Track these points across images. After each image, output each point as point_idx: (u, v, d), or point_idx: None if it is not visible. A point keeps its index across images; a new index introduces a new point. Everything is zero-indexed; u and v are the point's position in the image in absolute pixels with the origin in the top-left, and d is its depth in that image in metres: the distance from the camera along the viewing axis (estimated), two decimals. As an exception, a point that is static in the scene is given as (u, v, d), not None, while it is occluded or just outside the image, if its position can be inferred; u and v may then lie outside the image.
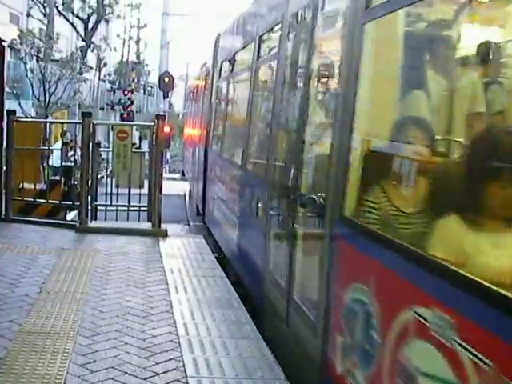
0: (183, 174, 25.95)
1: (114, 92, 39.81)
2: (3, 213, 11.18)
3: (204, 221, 13.42)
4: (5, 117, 11.16)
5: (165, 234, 10.56)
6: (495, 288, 2.71)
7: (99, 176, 15.28)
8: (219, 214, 10.77)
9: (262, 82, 8.79)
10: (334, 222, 4.67)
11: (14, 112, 11.61)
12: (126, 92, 38.60)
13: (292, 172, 6.04)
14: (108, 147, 16.72)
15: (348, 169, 4.52)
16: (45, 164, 13.89)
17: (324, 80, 5.76)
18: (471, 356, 2.77)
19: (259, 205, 7.38)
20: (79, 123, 11.05)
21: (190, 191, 20.38)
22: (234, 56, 10.97)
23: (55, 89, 26.31)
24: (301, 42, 6.34)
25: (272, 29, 7.90)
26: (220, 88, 12.84)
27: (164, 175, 12.41)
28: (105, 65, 39.52)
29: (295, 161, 6.04)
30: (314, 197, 5.09)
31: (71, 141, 18.37)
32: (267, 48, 8.47)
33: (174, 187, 22.68)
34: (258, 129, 8.66)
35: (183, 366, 5.24)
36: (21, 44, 26.94)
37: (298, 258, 5.77)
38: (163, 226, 10.83)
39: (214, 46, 14.05)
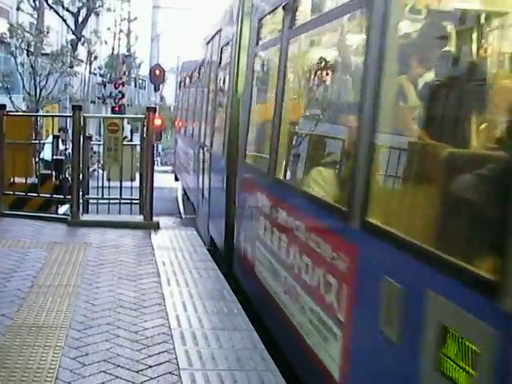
0: (176, 179, 21.13)
1: (105, 85, 39.67)
2: (-6, 207, 11.16)
3: (232, 267, 8.47)
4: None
5: (157, 227, 10.53)
6: None
7: (91, 169, 15.29)
8: (279, 289, 5.88)
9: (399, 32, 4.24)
10: None
11: (5, 106, 11.57)
12: (116, 85, 38.47)
13: None
14: (99, 140, 16.73)
15: None
16: (36, 158, 13.89)
17: None
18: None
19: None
20: (70, 116, 11.01)
21: (183, 189, 18.80)
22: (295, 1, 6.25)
23: (46, 82, 26.34)
24: None
25: None
26: (261, 61, 8.08)
27: (156, 168, 12.34)
28: (95, 58, 39.50)
29: None
30: None
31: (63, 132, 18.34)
32: None
33: (165, 180, 22.64)
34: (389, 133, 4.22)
35: (176, 358, 5.23)
36: (11, 38, 26.92)
37: None
38: (155, 218, 10.81)
39: (241, 1, 9.05)
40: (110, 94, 38.13)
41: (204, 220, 11.40)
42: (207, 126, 11.77)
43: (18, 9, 33.94)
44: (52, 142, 14.37)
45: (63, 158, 14.05)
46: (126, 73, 45.42)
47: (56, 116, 22.25)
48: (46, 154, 15.27)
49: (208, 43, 12.96)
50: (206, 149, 11.60)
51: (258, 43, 7.94)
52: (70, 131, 11.37)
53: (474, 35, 4.00)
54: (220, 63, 10.98)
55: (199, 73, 15.06)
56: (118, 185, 11.58)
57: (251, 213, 7.35)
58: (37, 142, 14.98)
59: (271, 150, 6.49)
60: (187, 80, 19.38)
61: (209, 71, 12.43)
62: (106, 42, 41.90)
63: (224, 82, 10.39)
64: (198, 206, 12.76)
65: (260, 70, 8.19)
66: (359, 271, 4.07)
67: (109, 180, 12.02)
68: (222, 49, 10.89)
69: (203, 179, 11.54)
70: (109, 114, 33.88)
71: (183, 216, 16.74)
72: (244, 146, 8.03)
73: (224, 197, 9.05)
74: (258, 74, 8.15)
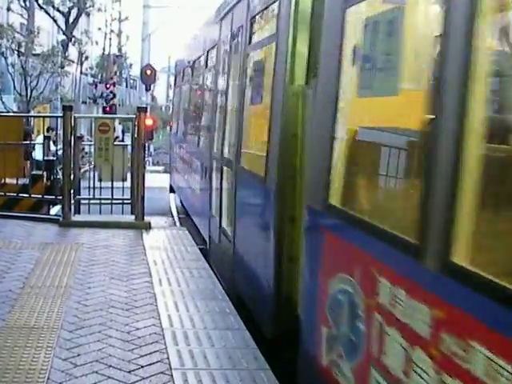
0: (172, 190, 18.09)
1: (96, 85, 39.65)
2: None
3: (293, 369, 4.97)
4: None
5: (148, 227, 10.52)
6: None
7: (82, 170, 15.25)
8: None
9: None
10: None
11: (-5, 107, 11.58)
12: (108, 85, 38.44)
13: None
14: (91, 141, 16.65)
15: None
16: (29, 159, 13.90)
17: None
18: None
19: None
20: (60, 117, 10.99)
21: (181, 202, 17.77)
22: None
23: (37, 83, 26.30)
24: None
25: None
26: (368, 22, 4.23)
27: (147, 168, 12.31)
28: (86, 58, 39.34)
29: None
30: None
31: (53, 132, 18.32)
32: None
33: (157, 180, 22.58)
34: None
35: (167, 358, 5.23)
36: (1, 38, 26.83)
37: None
38: (147, 218, 10.80)
39: None
40: (101, 94, 38.12)
41: (225, 264, 8.18)
42: (227, 132, 8.60)
43: (9, 9, 33.83)
44: (43, 143, 14.34)
45: (54, 158, 14.04)
46: (117, 73, 45.45)
47: (47, 116, 22.24)
48: (37, 154, 15.25)
49: (223, 19, 9.46)
50: (224, 164, 8.48)
51: None
52: (59, 131, 11.36)
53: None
54: (250, 42, 7.47)
55: (206, 62, 11.63)
56: (110, 185, 11.57)
57: (356, 308, 3.73)
58: (27, 142, 14.91)
59: (426, 196, 3.02)
60: (186, 74, 15.33)
61: (227, 57, 8.94)
62: (96, 43, 41.81)
63: (261, 69, 7.11)
64: (211, 238, 9.61)
65: (368, 36, 4.33)
66: None
67: (100, 180, 12.00)
68: (252, 21, 7.41)
69: (220, 204, 8.70)
70: (100, 115, 33.84)
71: (175, 216, 16.60)
72: (325, 175, 4.40)
73: (272, 250, 5.90)
74: (361, 43, 4.30)
